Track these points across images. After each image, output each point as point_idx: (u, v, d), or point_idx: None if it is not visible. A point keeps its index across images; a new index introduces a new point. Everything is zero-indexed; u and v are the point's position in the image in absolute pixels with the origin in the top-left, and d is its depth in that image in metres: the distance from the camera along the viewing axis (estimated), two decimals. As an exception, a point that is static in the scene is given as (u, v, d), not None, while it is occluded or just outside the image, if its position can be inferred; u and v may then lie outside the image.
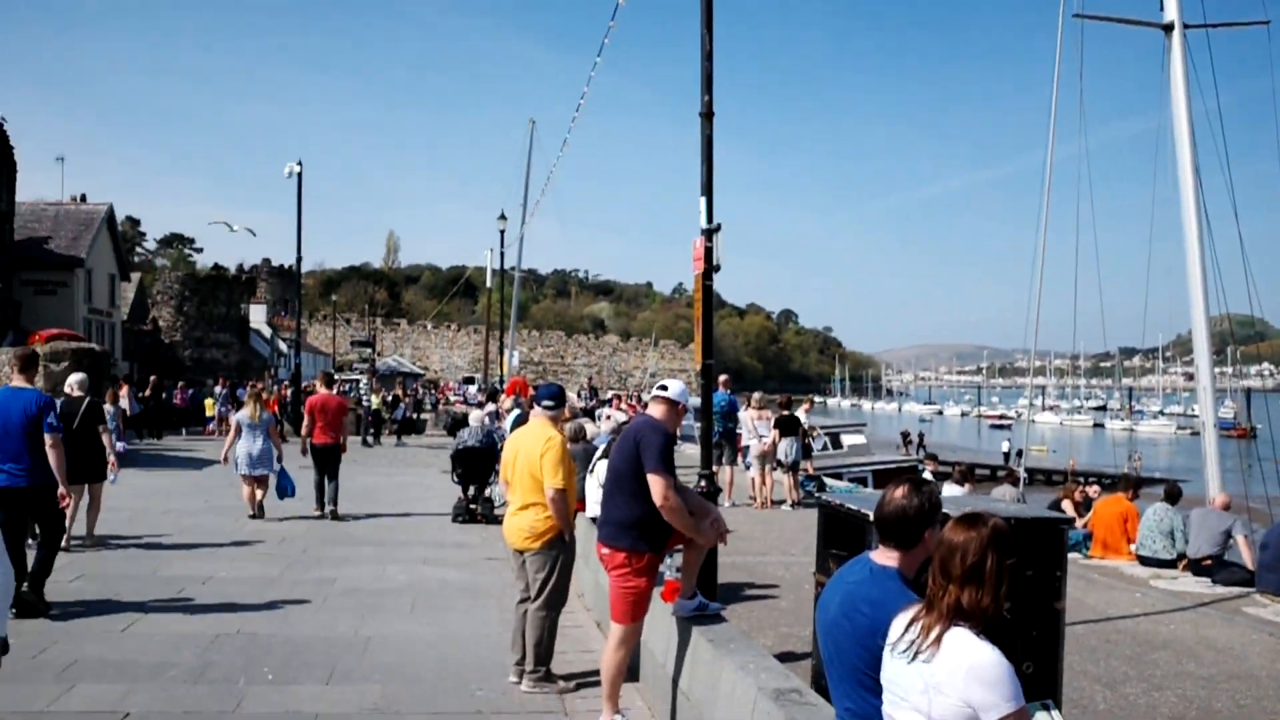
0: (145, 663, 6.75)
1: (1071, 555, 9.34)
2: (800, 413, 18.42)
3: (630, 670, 6.11)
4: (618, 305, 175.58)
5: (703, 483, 8.05)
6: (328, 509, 14.03)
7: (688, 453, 17.88)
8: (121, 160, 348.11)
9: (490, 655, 7.16)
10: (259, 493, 13.73)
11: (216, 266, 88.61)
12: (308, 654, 7.10)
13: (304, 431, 14.51)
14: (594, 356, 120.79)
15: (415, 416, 38.76)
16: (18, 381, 8.34)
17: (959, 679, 2.66)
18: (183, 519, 13.28)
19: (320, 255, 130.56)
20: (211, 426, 32.12)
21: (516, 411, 15.93)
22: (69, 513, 9.34)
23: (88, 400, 10.51)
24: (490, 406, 19.35)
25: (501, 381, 37.12)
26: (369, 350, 44.96)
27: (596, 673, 5.89)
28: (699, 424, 9.19)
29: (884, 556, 3.26)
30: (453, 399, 57.31)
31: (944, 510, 3.31)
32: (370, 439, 30.41)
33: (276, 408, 23.90)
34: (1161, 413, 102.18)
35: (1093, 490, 16.79)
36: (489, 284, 50.30)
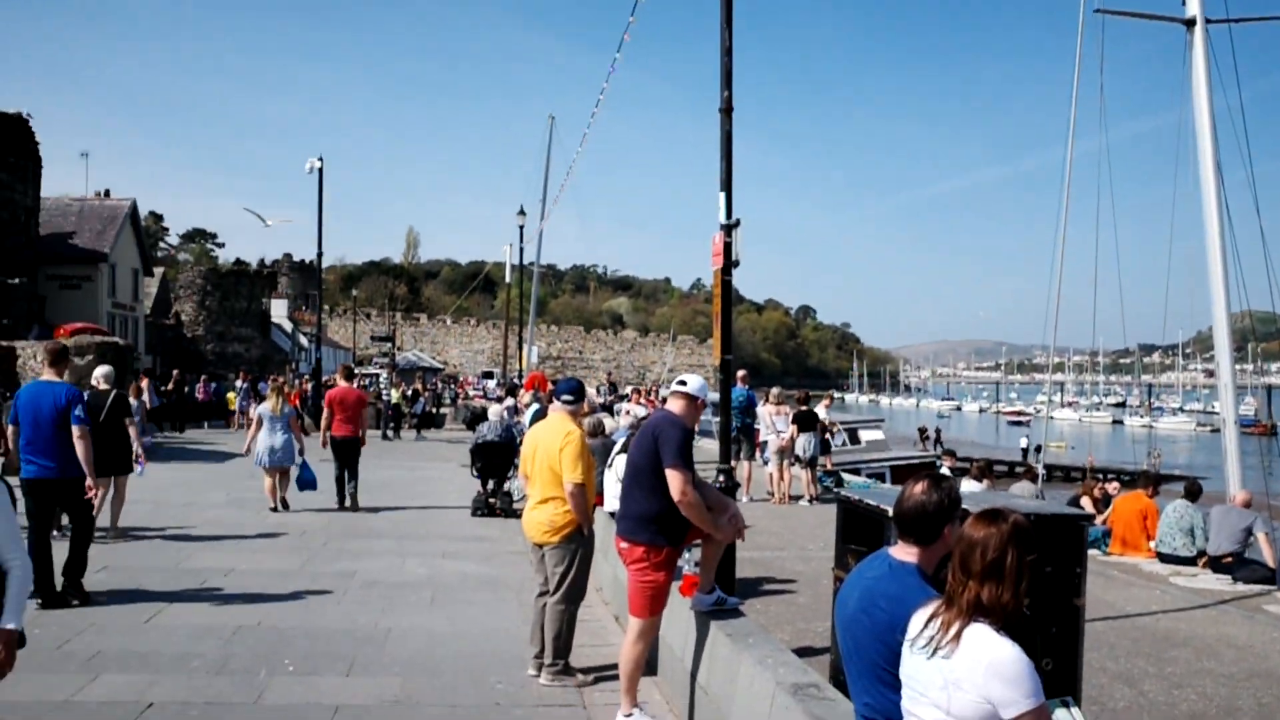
0: (168, 654, 6.81)
1: (1090, 552, 9.31)
2: (820, 408, 18.41)
3: (648, 664, 6.12)
4: (636, 300, 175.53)
5: (721, 478, 8.05)
6: (348, 501, 14.19)
7: (706, 448, 17.89)
8: (145, 156, 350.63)
9: (509, 648, 7.20)
10: (280, 486, 13.85)
11: (238, 261, 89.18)
12: (328, 646, 7.16)
13: (323, 424, 14.64)
14: (612, 352, 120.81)
15: (435, 411, 38.87)
16: (48, 375, 8.51)
17: (979, 675, 2.66)
18: (205, 511, 13.38)
19: (341, 250, 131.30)
20: (234, 420, 32.30)
21: (535, 406, 15.96)
22: (96, 504, 9.45)
23: (114, 393, 10.64)
24: (509, 401, 19.37)
25: (520, 376, 37.18)
26: (389, 345, 44.91)
27: (615, 666, 5.91)
28: (717, 419, 9.19)
29: (903, 552, 3.26)
30: (472, 393, 57.35)
31: (963, 506, 3.31)
32: (390, 433, 30.54)
33: (298, 401, 24.03)
34: (1181, 409, 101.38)
35: (1112, 487, 16.72)
36: (508, 279, 50.40)
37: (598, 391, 29.77)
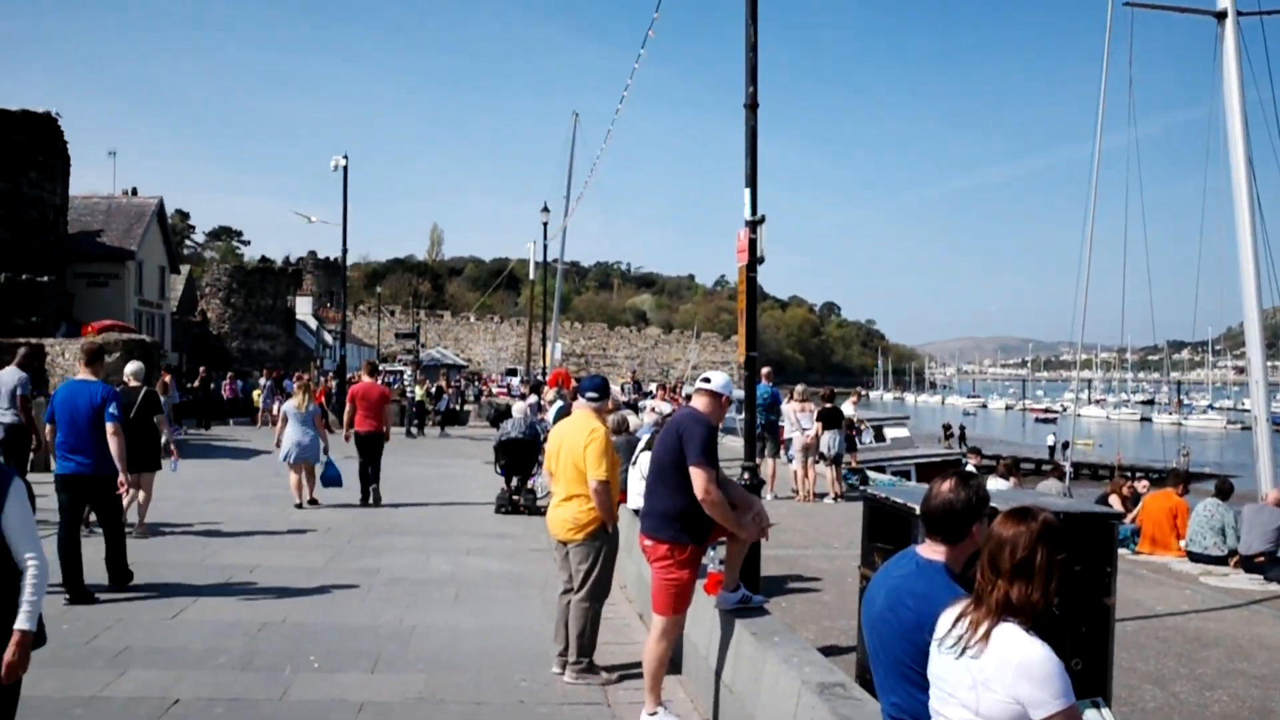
0: (194, 650, 6.85)
1: (1119, 551, 9.22)
2: (847, 406, 18.32)
3: (673, 662, 6.10)
4: (660, 297, 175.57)
5: (746, 475, 8.01)
6: (371, 496, 14.31)
7: (730, 445, 17.85)
8: (172, 154, 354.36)
9: (533, 646, 7.19)
10: (306, 482, 13.93)
11: (263, 259, 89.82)
12: (353, 643, 7.17)
13: (345, 419, 14.74)
14: (636, 349, 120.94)
15: (458, 408, 38.99)
16: (84, 374, 8.71)
17: (1008, 675, 2.63)
18: (230, 508, 13.46)
19: (365, 248, 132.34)
20: (259, 417, 32.50)
21: (559, 403, 15.98)
22: (125, 499, 9.59)
23: (145, 390, 10.76)
24: (533, 398, 19.41)
25: (544, 373, 37.25)
26: (413, 342, 45.22)
27: (639, 664, 5.90)
28: (741, 416, 9.16)
29: (930, 550, 3.23)
30: (495, 390, 57.54)
31: (992, 504, 3.27)
32: (414, 430, 30.65)
33: (323, 399, 24.17)
34: (1211, 407, 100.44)
35: (1141, 485, 16.56)
36: (532, 276, 50.45)
37: (622, 389, 29.78)
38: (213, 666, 6.49)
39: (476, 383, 66.13)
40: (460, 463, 22.08)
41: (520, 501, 14.07)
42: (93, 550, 8.51)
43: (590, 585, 6.43)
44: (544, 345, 45.13)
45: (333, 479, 14.05)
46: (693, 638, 6.16)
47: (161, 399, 12.00)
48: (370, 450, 14.42)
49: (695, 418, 5.52)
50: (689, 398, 6.48)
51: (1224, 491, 12.68)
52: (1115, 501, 14.35)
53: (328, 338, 65.06)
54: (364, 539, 11.61)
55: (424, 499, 15.28)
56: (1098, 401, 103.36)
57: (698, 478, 5.26)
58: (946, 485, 3.24)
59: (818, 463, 15.96)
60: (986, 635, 2.70)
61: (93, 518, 9.28)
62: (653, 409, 14.81)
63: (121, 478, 8.49)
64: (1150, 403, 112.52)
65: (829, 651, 5.87)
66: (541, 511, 12.33)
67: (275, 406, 31.53)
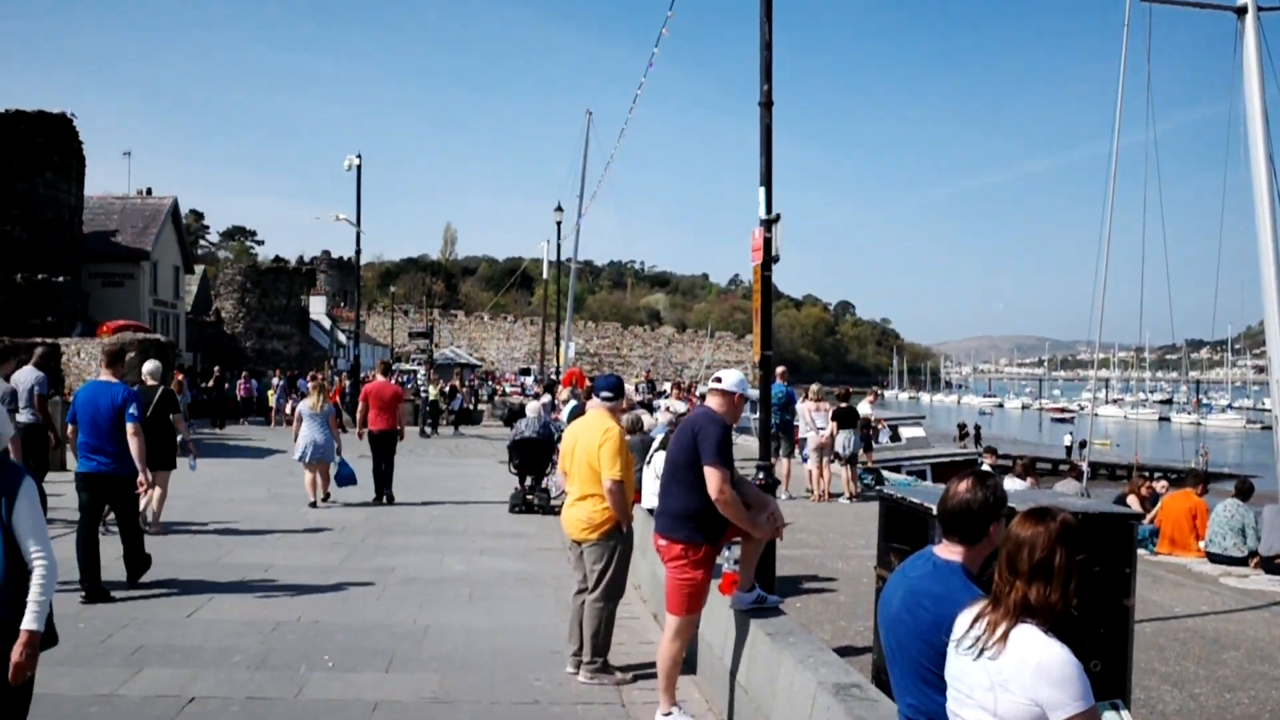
0: (209, 648, 6.86)
1: (1138, 551, 9.16)
2: (864, 405, 18.25)
3: (688, 662, 6.08)
4: (674, 296, 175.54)
5: (760, 475, 7.98)
6: (384, 493, 14.42)
7: (745, 445, 17.82)
8: (186, 154, 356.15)
9: (547, 646, 7.18)
10: (320, 482, 13.98)
11: (277, 259, 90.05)
12: (367, 642, 7.17)
13: (359, 417, 14.88)
14: (650, 348, 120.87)
15: (472, 407, 39.04)
16: (105, 375, 8.85)
17: (1026, 677, 2.60)
18: (245, 507, 13.50)
19: (379, 247, 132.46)
20: (273, 416, 32.64)
21: (573, 403, 15.97)
22: (142, 501, 9.67)
23: (162, 389, 10.86)
24: (546, 398, 19.40)
25: (557, 373, 37.24)
26: (427, 341, 45.27)
27: (654, 664, 5.88)
28: (755, 416, 9.12)
29: (947, 551, 3.20)
30: (509, 390, 57.61)
31: (1010, 505, 3.24)
32: (428, 429, 30.72)
33: (337, 398, 24.24)
34: (1230, 406, 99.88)
35: (1159, 485, 16.45)
36: (545, 275, 50.46)
37: (636, 389, 29.74)
38: (228, 665, 6.50)
39: (490, 382, 66.26)
40: (474, 462, 22.11)
41: (534, 501, 14.07)
42: (110, 549, 8.54)
43: (605, 585, 6.42)
44: (558, 345, 45.13)
45: (347, 478, 14.11)
46: (708, 638, 6.14)
47: (179, 398, 12.10)
48: (384, 449, 14.52)
49: (710, 417, 5.50)
50: (703, 397, 6.45)
51: (1244, 492, 12.58)
52: (1133, 502, 14.25)
53: (341, 337, 65.26)
54: (378, 538, 11.62)
55: (438, 498, 15.30)
56: (1115, 401, 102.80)
57: (712, 478, 5.24)
58: (963, 485, 3.21)
59: (832, 462, 15.91)
60: (1004, 636, 2.67)
61: (110, 516, 9.33)
62: (667, 408, 14.79)
63: (141, 478, 8.61)
64: (1168, 402, 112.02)
65: (844, 652, 5.84)
66: (555, 511, 12.35)
67: (289, 406, 31.81)
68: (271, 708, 5.77)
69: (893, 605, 3.25)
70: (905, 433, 28.88)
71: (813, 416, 15.83)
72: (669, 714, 5.53)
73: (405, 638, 7.35)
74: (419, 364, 46.95)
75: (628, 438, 6.82)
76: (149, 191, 46.83)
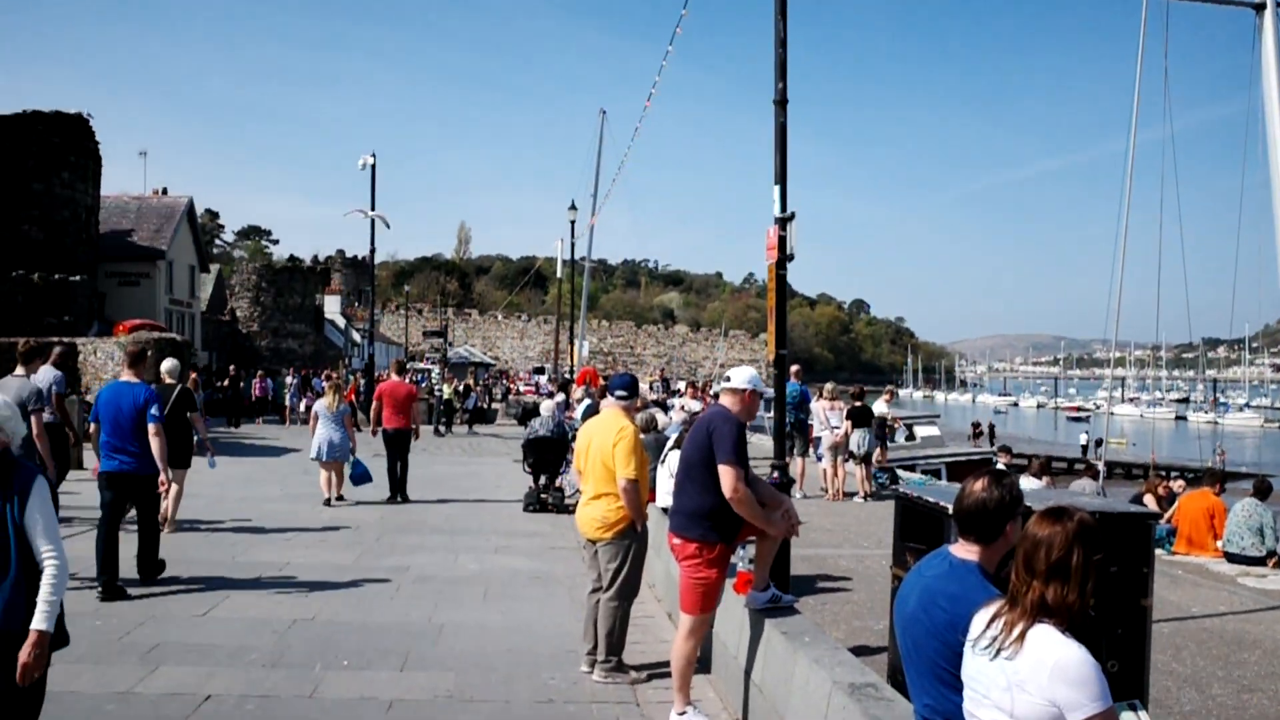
0: (225, 646, 6.88)
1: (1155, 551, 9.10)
2: (880, 404, 18.21)
3: (702, 662, 6.08)
4: (687, 295, 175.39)
5: (775, 474, 7.97)
6: (398, 492, 14.51)
7: (759, 444, 17.78)
8: (201, 154, 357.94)
9: (562, 644, 7.18)
10: (335, 481, 14.06)
11: (292, 258, 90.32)
12: (382, 641, 7.19)
13: (372, 416, 15.07)
14: (663, 347, 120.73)
15: (486, 406, 39.11)
16: (127, 375, 8.95)
17: (1043, 677, 2.58)
18: (260, 505, 13.55)
19: (393, 246, 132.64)
20: (288, 415, 32.75)
21: (587, 402, 15.97)
22: (163, 497, 9.74)
23: (179, 388, 10.92)
24: (560, 397, 19.43)
25: (571, 371, 37.28)
26: (441, 340, 45.31)
27: (668, 663, 5.87)
28: (769, 415, 9.10)
29: (964, 550, 3.18)
30: (523, 389, 57.69)
31: (1026, 504, 3.22)
32: (442, 428, 30.78)
33: (353, 397, 24.32)
34: (1248, 405, 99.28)
35: (1176, 485, 16.35)
36: (559, 274, 50.52)
37: (651, 387, 29.75)
38: (243, 663, 6.52)
39: (504, 381, 66.37)
40: (488, 461, 22.14)
41: (548, 500, 14.09)
42: (125, 548, 8.58)
43: (619, 584, 6.41)
44: (571, 343, 45.20)
45: (361, 476, 14.16)
46: (722, 637, 6.13)
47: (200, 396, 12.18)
48: (398, 448, 14.61)
49: (724, 416, 5.49)
50: (717, 396, 6.44)
51: (1263, 491, 12.50)
52: (1150, 501, 14.17)
53: (356, 336, 65.49)
54: (392, 537, 11.65)
55: (452, 497, 15.33)
56: (1131, 400, 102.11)
57: (726, 476, 5.23)
58: (979, 484, 3.19)
59: (847, 461, 15.87)
60: (1021, 636, 2.66)
61: (130, 514, 9.39)
62: (681, 407, 14.78)
63: (162, 477, 8.71)
64: (1185, 401, 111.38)
65: (859, 652, 5.82)
66: (569, 510, 12.36)
67: (302, 404, 31.95)
68: (287, 706, 5.78)
69: (909, 604, 3.24)
70: (920, 431, 28.77)
71: (827, 415, 15.80)
72: (684, 713, 5.52)
73: (420, 636, 7.36)
74: (433, 363, 47.09)
75: (642, 436, 6.82)
76: (165, 191, 47.10)
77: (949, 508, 4.01)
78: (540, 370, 72.58)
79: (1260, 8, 11.08)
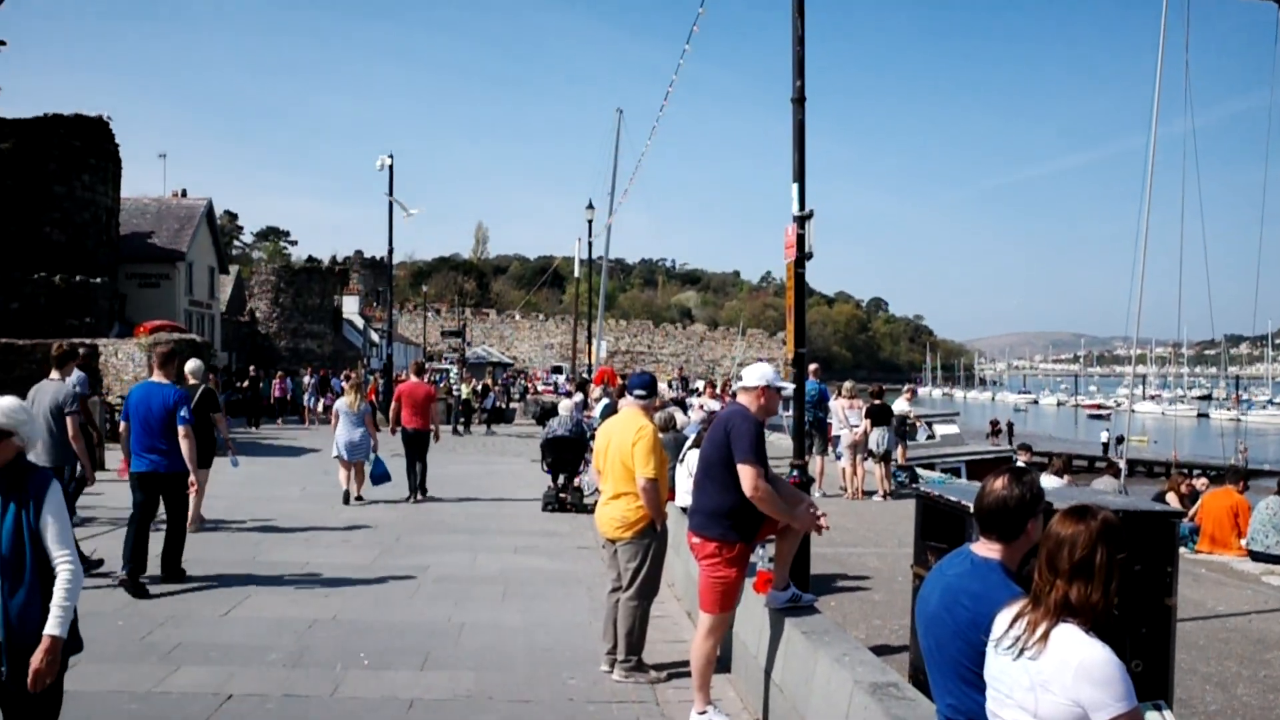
0: (246, 646, 6.91)
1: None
2: (901, 402, 18.14)
3: (722, 661, 6.06)
4: (705, 294, 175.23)
5: (795, 473, 7.94)
6: (417, 491, 14.60)
7: (778, 443, 17.74)
8: (220, 156, 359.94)
9: (582, 644, 7.18)
10: (355, 480, 14.13)
11: (310, 259, 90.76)
12: (402, 640, 7.20)
13: (391, 416, 15.30)
14: (681, 346, 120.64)
15: (504, 405, 39.16)
16: (157, 376, 9.06)
17: (1068, 677, 2.56)
18: (280, 505, 13.61)
19: (411, 246, 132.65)
20: (307, 415, 32.90)
21: (605, 401, 15.98)
22: (192, 499, 9.84)
23: (202, 388, 11.01)
24: (579, 396, 19.44)
25: (589, 371, 37.30)
26: (459, 340, 45.55)
27: (688, 663, 5.86)
28: (787, 414, 9.07)
29: (985, 548, 3.16)
30: (541, 388, 57.78)
31: (1049, 503, 3.20)
32: (461, 428, 30.85)
33: (373, 397, 24.44)
34: (1271, 402, 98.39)
35: (1199, 483, 16.23)
36: (576, 273, 50.54)
37: (670, 385, 29.71)
38: (264, 663, 6.55)
39: (522, 380, 66.48)
40: (507, 460, 22.18)
41: (567, 499, 14.10)
42: (153, 545, 8.64)
43: (639, 583, 6.41)
44: (589, 343, 45.21)
45: (380, 476, 14.24)
46: (742, 636, 6.11)
47: (220, 397, 12.28)
48: (418, 448, 14.71)
49: (742, 414, 5.46)
50: (735, 395, 6.42)
51: (1286, 489, 12.38)
52: (1173, 499, 14.07)
53: (374, 336, 65.66)
54: (412, 536, 11.68)
55: (471, 496, 15.37)
56: (1153, 397, 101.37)
57: (746, 475, 5.21)
58: (999, 482, 3.17)
59: (866, 460, 15.82)
60: (1045, 636, 2.64)
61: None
62: (700, 406, 14.77)
63: (191, 477, 8.84)
64: (1207, 398, 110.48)
65: (880, 651, 5.80)
66: (588, 509, 12.37)
67: (319, 404, 32.10)
68: (308, 706, 5.80)
69: (931, 604, 3.22)
70: (939, 430, 28.63)
71: (846, 414, 15.75)
72: (704, 713, 5.51)
73: (440, 636, 7.37)
74: (451, 363, 47.24)
75: (661, 435, 6.81)
76: (184, 193, 47.35)
77: (970, 506, 3.99)
78: (558, 369, 72.69)
79: (1282, 1, 11.00)
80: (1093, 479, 17.92)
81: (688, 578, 7.76)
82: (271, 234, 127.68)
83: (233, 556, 10.08)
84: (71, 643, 3.70)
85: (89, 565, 8.81)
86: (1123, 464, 18.02)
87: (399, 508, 13.87)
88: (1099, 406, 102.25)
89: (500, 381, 49.12)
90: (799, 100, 7.98)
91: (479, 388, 35.13)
